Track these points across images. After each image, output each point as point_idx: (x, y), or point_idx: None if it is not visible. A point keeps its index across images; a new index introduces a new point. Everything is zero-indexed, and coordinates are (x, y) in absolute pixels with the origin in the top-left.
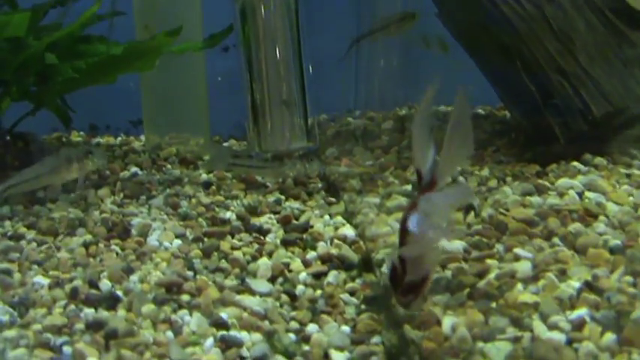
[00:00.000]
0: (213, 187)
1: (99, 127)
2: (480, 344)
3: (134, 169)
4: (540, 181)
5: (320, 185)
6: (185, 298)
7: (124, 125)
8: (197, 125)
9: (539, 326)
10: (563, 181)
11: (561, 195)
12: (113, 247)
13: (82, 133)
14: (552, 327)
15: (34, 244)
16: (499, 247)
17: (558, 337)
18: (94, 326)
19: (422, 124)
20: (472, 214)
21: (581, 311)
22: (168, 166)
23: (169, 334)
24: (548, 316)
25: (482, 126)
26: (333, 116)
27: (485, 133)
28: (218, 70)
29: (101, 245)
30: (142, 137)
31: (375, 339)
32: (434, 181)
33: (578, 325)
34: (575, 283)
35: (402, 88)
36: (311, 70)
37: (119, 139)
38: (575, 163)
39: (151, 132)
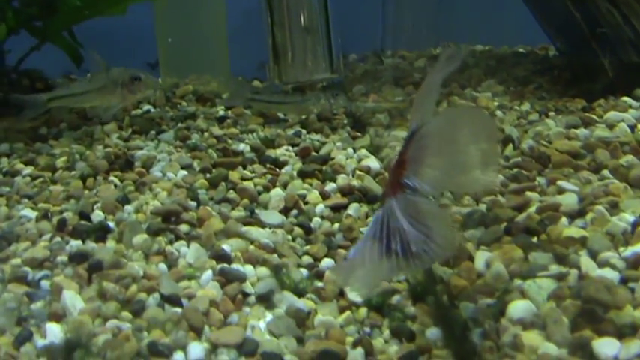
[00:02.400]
0: (229, 121)
1: None
2: (519, 282)
3: (147, 106)
4: (587, 114)
5: (345, 121)
6: (184, 228)
7: (141, 67)
8: (217, 66)
9: (587, 263)
10: (612, 114)
11: (611, 127)
12: (112, 179)
13: None
14: (603, 264)
15: (28, 179)
16: (540, 180)
17: (610, 275)
18: (77, 258)
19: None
20: (510, 146)
21: (637, 247)
22: (184, 104)
23: (162, 266)
24: (598, 252)
25: (523, 64)
26: (362, 56)
27: (525, 71)
28: (239, 8)
29: (99, 178)
30: (160, 80)
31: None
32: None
33: (634, 262)
34: (629, 217)
35: (435, 27)
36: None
37: None
38: (626, 98)
39: (168, 74)
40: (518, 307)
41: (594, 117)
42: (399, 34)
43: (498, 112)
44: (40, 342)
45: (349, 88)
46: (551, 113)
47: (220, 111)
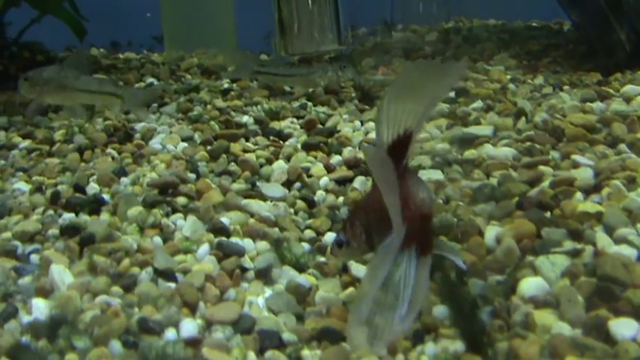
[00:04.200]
0: (233, 94)
1: (120, 44)
2: (530, 258)
3: (150, 79)
4: (603, 88)
5: (353, 94)
6: (181, 200)
7: (147, 41)
8: (223, 40)
9: (603, 239)
10: (629, 88)
11: (628, 101)
12: (110, 151)
13: (102, 50)
14: (620, 241)
15: (25, 152)
16: (554, 154)
17: (628, 252)
18: (69, 231)
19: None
20: (523, 119)
21: None
22: (188, 77)
23: (157, 239)
24: (614, 228)
25: (537, 38)
26: (372, 29)
27: (539, 45)
28: None
29: (97, 150)
30: (165, 54)
31: None
32: None
33: None
34: None
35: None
36: None
37: (140, 55)
38: None
39: (173, 48)
40: (530, 285)
41: (610, 91)
42: (410, 8)
43: (511, 86)
44: (26, 319)
45: (358, 61)
46: (566, 87)
47: (225, 84)
